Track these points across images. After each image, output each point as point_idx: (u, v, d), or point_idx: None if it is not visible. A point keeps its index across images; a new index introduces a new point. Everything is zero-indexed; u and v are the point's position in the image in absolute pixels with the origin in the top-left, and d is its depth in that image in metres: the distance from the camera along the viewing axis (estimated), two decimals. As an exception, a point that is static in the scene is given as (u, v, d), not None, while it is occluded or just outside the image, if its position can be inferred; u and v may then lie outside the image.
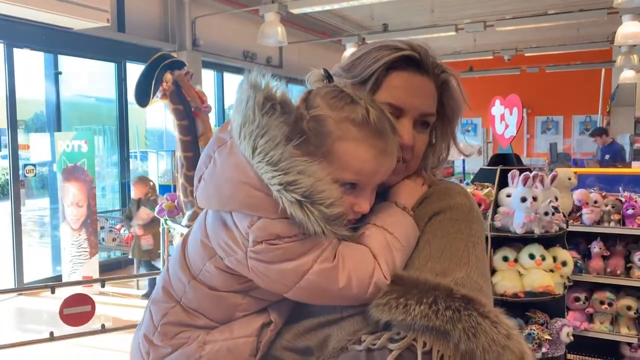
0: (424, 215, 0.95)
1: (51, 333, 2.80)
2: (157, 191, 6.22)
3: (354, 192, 0.86)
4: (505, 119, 3.13)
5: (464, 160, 6.92)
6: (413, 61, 0.97)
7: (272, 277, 0.83)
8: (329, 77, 0.95)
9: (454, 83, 1.02)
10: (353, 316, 0.88)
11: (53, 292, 3.03)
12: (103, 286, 3.34)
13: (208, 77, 8.93)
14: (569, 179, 3.18)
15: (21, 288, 5.81)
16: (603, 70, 11.10)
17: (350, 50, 8.72)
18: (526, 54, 10.55)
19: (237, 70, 9.48)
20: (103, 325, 2.84)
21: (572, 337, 2.78)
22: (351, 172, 0.84)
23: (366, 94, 0.91)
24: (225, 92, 9.44)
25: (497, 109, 3.18)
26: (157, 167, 7.24)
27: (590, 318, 3.35)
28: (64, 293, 3.78)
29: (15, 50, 6.11)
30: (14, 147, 6.22)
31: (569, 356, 3.33)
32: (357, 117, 0.85)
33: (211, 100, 5.14)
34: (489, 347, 0.78)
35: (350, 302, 0.85)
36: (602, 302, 3.28)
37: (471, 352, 0.78)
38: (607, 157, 8.67)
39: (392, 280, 0.85)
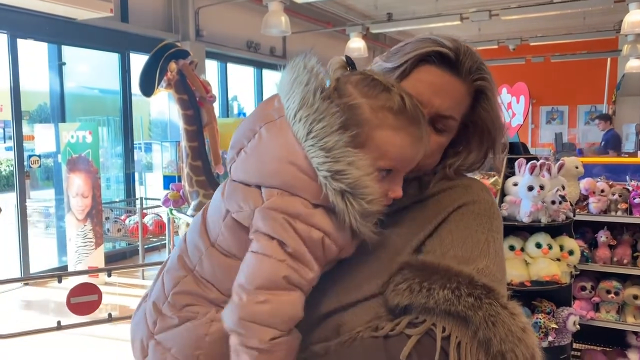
0: (448, 205, 0.96)
1: (58, 322, 2.81)
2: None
3: (388, 179, 0.86)
4: (512, 107, 3.12)
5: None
6: (447, 59, 0.95)
7: (246, 243, 0.82)
8: (351, 64, 0.92)
9: (490, 96, 1.00)
10: (368, 301, 0.87)
11: (60, 281, 3.04)
12: (109, 276, 3.35)
13: (211, 68, 8.91)
14: (576, 167, 3.16)
15: (28, 277, 5.84)
16: (609, 59, 11.03)
17: (354, 39, 8.68)
18: (531, 44, 10.49)
19: (241, 61, 9.46)
20: (110, 315, 2.85)
21: (578, 326, 2.77)
22: (389, 159, 0.84)
23: (395, 80, 0.90)
24: (228, 82, 9.42)
25: (504, 97, 3.17)
26: (162, 158, 7.24)
27: (596, 307, 3.34)
28: (70, 283, 3.80)
29: (19, 41, 6.10)
30: (19, 138, 6.23)
31: (575, 345, 3.33)
32: (393, 105, 0.85)
33: (215, 90, 5.12)
34: (505, 337, 0.78)
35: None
36: (608, 291, 3.27)
37: (488, 341, 0.78)
38: (602, 143, 8.81)
39: (414, 266, 0.85)
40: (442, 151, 1.01)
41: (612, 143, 8.70)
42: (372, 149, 0.84)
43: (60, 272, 4.21)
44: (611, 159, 5.50)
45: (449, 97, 0.96)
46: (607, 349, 3.41)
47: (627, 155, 7.99)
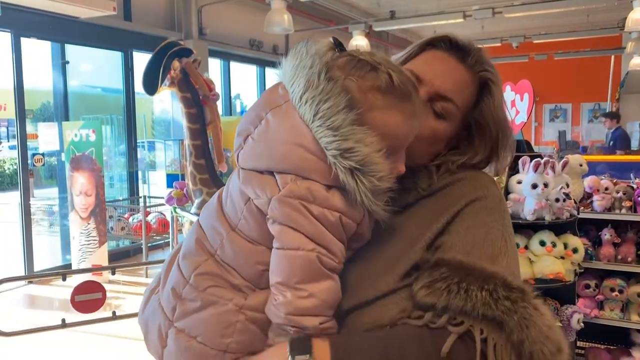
0: (458, 198, 0.95)
1: (63, 320, 2.82)
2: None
3: (389, 157, 0.86)
4: (515, 105, 3.11)
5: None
6: (453, 46, 0.98)
7: (269, 229, 0.83)
8: (339, 45, 0.92)
9: (495, 91, 1.00)
10: (387, 297, 0.87)
11: (64, 279, 3.05)
12: (113, 273, 3.35)
13: (214, 66, 8.91)
14: (580, 165, 3.15)
15: (32, 275, 5.86)
16: (613, 56, 10.99)
17: (357, 37, 8.66)
18: (535, 41, 10.45)
19: (243, 59, 9.46)
20: (114, 312, 2.85)
21: (582, 324, 2.77)
22: (385, 139, 0.84)
23: (382, 56, 0.90)
24: (231, 80, 9.42)
25: (508, 94, 3.16)
26: (165, 156, 7.26)
27: (600, 305, 3.33)
28: (74, 281, 3.80)
29: (23, 40, 6.11)
30: (23, 137, 6.24)
31: (578, 343, 3.33)
32: (381, 84, 0.85)
33: (218, 88, 5.13)
34: (537, 338, 0.80)
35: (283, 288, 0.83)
36: (612, 290, 3.26)
37: (521, 343, 0.80)
38: (611, 143, 8.69)
39: (452, 264, 0.85)
40: (440, 141, 1.00)
41: (621, 142, 8.54)
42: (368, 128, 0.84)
43: (64, 270, 4.23)
44: (615, 157, 5.48)
45: (450, 79, 0.97)
46: (611, 347, 3.40)
47: (622, 153, 7.95)
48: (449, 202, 0.94)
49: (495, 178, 2.90)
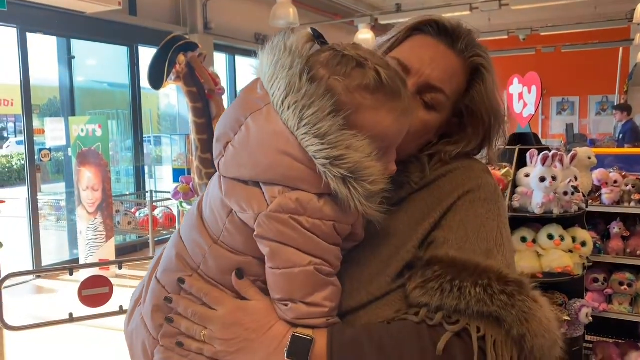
0: (451, 190, 0.92)
1: (70, 314, 2.83)
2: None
3: (381, 158, 0.81)
4: (523, 97, 3.08)
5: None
6: (441, 31, 0.93)
7: (262, 247, 0.80)
8: (319, 37, 0.85)
9: (486, 76, 0.96)
10: (381, 300, 0.85)
11: (71, 274, 3.06)
12: (120, 268, 3.36)
13: (220, 60, 8.90)
14: (589, 158, 3.12)
15: (39, 270, 5.89)
16: (621, 48, 10.89)
17: (362, 31, 8.62)
18: (542, 33, 10.36)
19: (249, 53, 9.42)
20: (121, 307, 2.86)
21: (591, 318, 2.75)
22: (376, 141, 0.79)
23: (367, 49, 0.85)
24: (237, 75, 9.40)
25: (516, 87, 3.13)
26: (171, 151, 7.27)
27: (609, 299, 3.31)
28: (81, 276, 3.82)
29: (29, 35, 6.12)
30: (29, 132, 6.26)
31: (587, 337, 3.31)
32: (369, 82, 0.79)
33: (223, 83, 5.12)
34: (538, 332, 0.78)
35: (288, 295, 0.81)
36: (621, 283, 3.24)
37: (522, 337, 0.78)
38: (620, 136, 8.59)
39: (445, 262, 0.82)
40: (431, 132, 0.97)
41: (631, 136, 8.39)
42: (357, 132, 0.79)
43: (71, 265, 4.25)
44: (624, 150, 5.43)
45: (440, 67, 0.92)
46: (620, 341, 3.38)
47: (630, 145, 7.86)
48: (441, 195, 0.91)
49: (502, 171, 2.87)
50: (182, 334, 0.85)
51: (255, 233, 0.78)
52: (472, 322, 0.78)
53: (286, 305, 0.80)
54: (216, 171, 0.86)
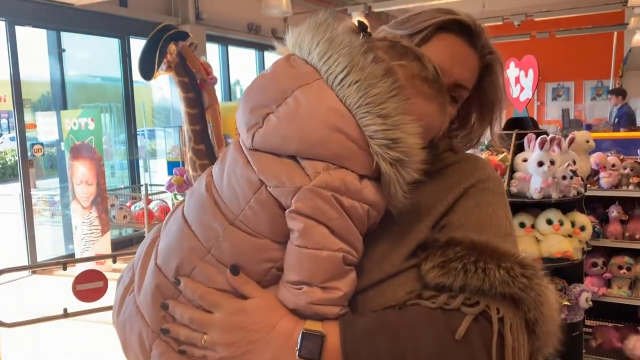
0: (461, 178, 0.95)
1: (65, 310, 2.80)
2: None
3: None
4: (520, 81, 3.04)
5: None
6: (465, 29, 0.96)
7: (279, 220, 0.77)
8: (365, 29, 0.85)
9: (498, 70, 1.01)
10: (393, 278, 0.84)
11: (65, 268, 3.03)
12: (114, 262, 3.33)
13: (213, 51, 8.82)
14: (587, 141, 3.10)
15: (33, 265, 5.85)
16: (615, 33, 10.86)
17: (356, 19, 8.55)
18: (536, 19, 10.31)
19: (242, 43, 9.36)
20: (115, 299, 2.83)
21: (590, 303, 2.74)
22: (421, 129, 0.79)
23: (418, 49, 0.87)
24: (230, 65, 9.33)
25: (512, 71, 3.09)
26: (165, 144, 7.22)
27: (608, 283, 3.30)
28: (76, 270, 3.78)
29: (18, 28, 6.04)
30: (21, 127, 6.20)
31: (586, 322, 3.30)
32: (428, 73, 0.82)
33: (216, 73, 5.06)
34: (548, 317, 0.79)
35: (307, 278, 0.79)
36: (620, 267, 3.23)
37: (535, 321, 0.78)
38: (615, 120, 8.60)
39: (465, 243, 0.82)
40: (449, 123, 1.00)
41: (626, 120, 8.44)
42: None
43: (65, 260, 4.20)
44: (621, 134, 5.42)
45: (466, 67, 0.97)
46: (620, 325, 3.38)
47: (626, 129, 7.86)
48: (452, 182, 0.94)
49: (500, 156, 2.84)
50: (183, 343, 0.81)
51: (291, 208, 0.75)
52: (492, 303, 0.78)
53: (300, 288, 0.77)
54: (210, 163, 0.82)
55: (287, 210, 0.75)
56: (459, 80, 0.96)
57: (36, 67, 6.90)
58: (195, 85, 3.57)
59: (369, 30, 0.86)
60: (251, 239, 0.78)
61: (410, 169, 0.76)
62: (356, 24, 0.86)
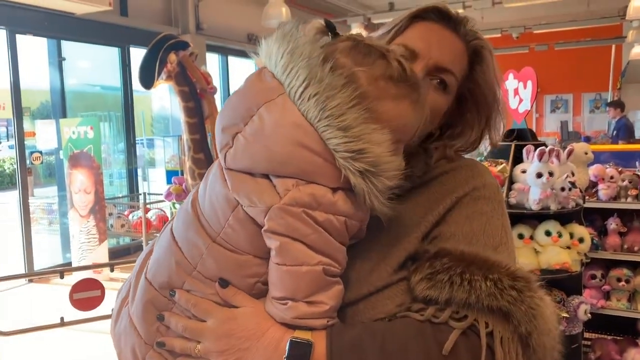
0: (455, 187, 0.91)
1: (61, 318, 2.78)
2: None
3: (396, 152, 0.79)
4: (519, 93, 3.06)
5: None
6: (443, 16, 0.93)
7: (258, 237, 0.77)
8: (332, 29, 0.83)
9: (488, 58, 0.97)
10: (382, 291, 0.83)
11: (62, 277, 3.01)
12: (112, 270, 3.32)
13: (212, 61, 8.85)
14: (586, 153, 3.10)
15: (30, 273, 5.83)
16: (613, 46, 10.92)
17: (355, 30, 8.60)
18: (535, 31, 10.37)
19: (242, 54, 9.40)
20: (113, 310, 2.81)
21: (589, 315, 2.72)
22: (394, 130, 0.77)
23: (383, 41, 0.85)
24: (230, 75, 9.36)
25: (511, 82, 3.11)
26: (164, 153, 7.23)
27: (606, 295, 3.29)
28: (74, 279, 3.77)
29: (18, 37, 6.06)
30: (20, 135, 6.20)
31: (585, 334, 3.28)
32: (393, 72, 0.78)
33: (216, 84, 5.07)
34: (544, 330, 0.77)
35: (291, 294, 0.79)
36: (619, 279, 3.22)
37: (528, 334, 0.76)
38: (614, 132, 8.61)
39: (454, 254, 0.81)
40: (440, 115, 0.96)
41: (624, 132, 8.41)
42: (374, 121, 0.77)
43: (62, 268, 4.19)
44: (619, 146, 5.43)
45: (447, 49, 0.93)
46: (618, 338, 3.36)
47: (624, 142, 7.87)
48: (445, 191, 0.91)
49: (499, 167, 2.84)
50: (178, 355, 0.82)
51: (265, 227, 0.75)
52: (481, 317, 0.77)
53: (285, 304, 0.77)
54: None
55: (262, 230, 0.76)
56: (439, 63, 0.92)
57: (36, 76, 6.92)
58: (195, 95, 3.59)
59: (336, 30, 0.84)
60: (233, 256, 0.79)
61: (383, 178, 0.74)
62: (323, 23, 0.84)
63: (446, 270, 0.79)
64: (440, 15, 0.94)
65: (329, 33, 0.83)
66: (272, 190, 0.75)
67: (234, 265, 0.79)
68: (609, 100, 10.65)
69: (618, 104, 9.01)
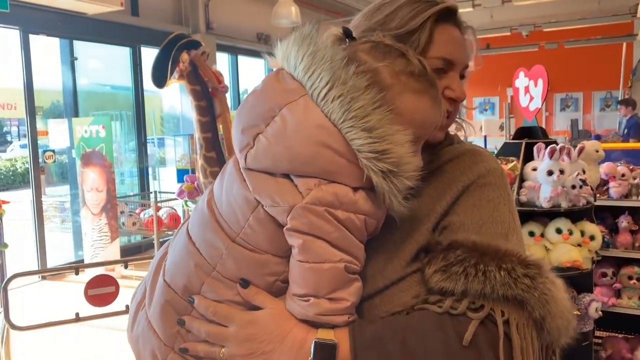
0: (460, 175, 0.92)
1: (77, 314, 2.82)
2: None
3: (417, 150, 0.82)
4: (529, 91, 3.06)
5: (485, 137, 6.83)
6: (452, 14, 0.95)
7: (278, 236, 0.78)
8: (350, 36, 0.86)
9: (472, 36, 1.02)
10: (397, 284, 0.85)
11: (77, 273, 3.05)
12: (126, 267, 3.35)
13: (222, 60, 8.90)
14: (597, 151, 3.10)
15: (45, 270, 5.90)
16: (624, 44, 10.84)
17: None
18: (545, 29, 10.32)
19: (251, 53, 9.44)
20: (127, 306, 2.84)
21: (600, 313, 2.73)
22: (415, 126, 0.79)
23: (406, 46, 0.86)
24: (240, 74, 9.40)
25: (521, 80, 3.11)
26: (175, 152, 7.28)
27: (617, 293, 3.28)
28: (87, 276, 3.81)
29: (31, 37, 6.12)
30: (33, 134, 6.27)
31: (596, 332, 3.28)
32: (414, 68, 0.80)
33: (226, 82, 5.11)
34: (557, 313, 0.78)
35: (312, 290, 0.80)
36: (630, 277, 3.22)
37: (543, 319, 0.78)
38: (625, 131, 8.54)
39: (467, 246, 0.82)
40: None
41: (635, 131, 8.34)
42: (395, 118, 0.78)
43: (77, 264, 4.24)
44: (630, 144, 5.41)
45: (467, 48, 0.98)
46: (630, 336, 3.36)
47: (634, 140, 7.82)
48: (450, 180, 0.92)
49: (510, 165, 2.84)
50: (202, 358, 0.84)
51: (287, 226, 0.77)
52: (496, 306, 0.78)
53: (307, 300, 0.78)
54: (220, 169, 0.84)
55: (284, 228, 0.77)
56: (466, 62, 0.97)
57: (48, 75, 6.99)
58: (207, 94, 3.61)
59: (353, 35, 0.87)
60: (253, 255, 0.80)
61: (403, 178, 0.76)
62: (341, 30, 0.86)
63: (460, 262, 0.80)
64: (450, 15, 0.96)
65: (347, 40, 0.85)
66: (293, 190, 0.76)
67: (254, 265, 0.80)
68: (619, 99, 10.58)
69: (629, 102, 8.93)
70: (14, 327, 2.78)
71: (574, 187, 2.63)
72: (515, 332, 0.77)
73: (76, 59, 6.89)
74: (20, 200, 7.76)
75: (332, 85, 0.75)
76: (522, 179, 2.77)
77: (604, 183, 3.32)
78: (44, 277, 6.06)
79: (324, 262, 0.77)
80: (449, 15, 0.95)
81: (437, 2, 0.94)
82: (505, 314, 0.78)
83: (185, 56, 3.46)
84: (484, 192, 0.91)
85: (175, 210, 6.45)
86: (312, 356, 0.77)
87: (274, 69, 0.85)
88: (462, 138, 1.06)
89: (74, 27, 6.47)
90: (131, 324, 0.91)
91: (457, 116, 1.03)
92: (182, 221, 5.95)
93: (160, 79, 3.45)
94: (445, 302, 0.80)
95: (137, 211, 6.59)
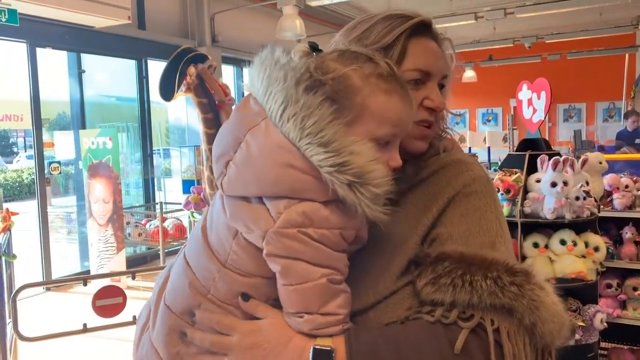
0: (446, 186, 0.93)
1: (84, 325, 2.84)
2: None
3: (386, 149, 0.83)
4: (532, 103, 3.09)
5: (489, 149, 6.85)
6: (426, 27, 0.98)
7: (274, 265, 0.80)
8: (316, 49, 0.88)
9: (450, 48, 1.03)
10: (389, 298, 0.87)
11: (85, 284, 3.08)
12: (134, 278, 3.38)
13: (228, 73, 8.97)
14: (600, 162, 3.12)
15: (54, 281, 5.91)
16: (627, 55, 10.88)
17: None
18: (547, 41, 10.38)
19: (256, 65, 9.50)
20: (134, 317, 2.87)
21: (605, 324, 2.73)
22: (388, 125, 0.82)
23: (372, 50, 0.88)
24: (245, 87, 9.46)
25: (525, 93, 3.14)
26: (180, 163, 7.32)
27: (623, 305, 3.29)
28: (93, 287, 3.84)
29: (38, 50, 6.19)
30: (39, 145, 6.32)
31: (601, 344, 3.28)
32: (382, 70, 0.82)
33: (232, 95, 5.16)
34: (547, 318, 0.80)
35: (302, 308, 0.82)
36: (635, 289, 3.22)
37: (533, 325, 0.80)
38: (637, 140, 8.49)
39: (454, 257, 0.84)
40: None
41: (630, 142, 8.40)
42: (368, 119, 0.81)
43: (85, 275, 4.27)
44: (634, 155, 5.42)
45: (443, 58, 1.00)
46: (635, 348, 3.35)
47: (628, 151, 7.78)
48: (437, 191, 0.93)
49: (513, 177, 2.86)
50: None
51: (264, 252, 0.79)
52: (486, 315, 0.80)
53: (301, 317, 0.81)
54: None
55: (263, 254, 0.80)
56: (445, 72, 0.99)
57: (55, 87, 7.06)
58: (214, 106, 3.64)
59: (319, 48, 0.88)
60: (243, 279, 0.83)
61: (370, 186, 0.76)
62: (307, 46, 0.88)
63: (448, 274, 0.82)
64: (424, 28, 0.98)
65: (314, 53, 0.87)
66: (267, 215, 0.78)
67: (245, 288, 0.83)
68: (623, 110, 10.58)
69: (633, 114, 8.92)
70: (22, 338, 2.81)
71: (577, 198, 2.65)
72: (506, 340, 0.79)
73: (84, 71, 6.96)
74: (26, 211, 7.80)
75: (286, 106, 0.78)
76: (526, 191, 2.79)
77: (608, 194, 3.34)
78: (47, 289, 6.07)
79: (307, 282, 0.79)
80: (424, 29, 0.97)
81: (411, 17, 0.96)
82: (495, 322, 0.80)
83: (192, 69, 3.49)
84: (470, 201, 0.91)
85: (181, 221, 6.49)
86: None
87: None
88: (464, 149, 1.07)
89: (81, 40, 6.55)
90: (136, 346, 0.95)
91: (445, 126, 1.04)
92: (187, 232, 5.98)
93: (167, 92, 3.48)
94: (436, 311, 0.82)
95: (143, 222, 6.63)
